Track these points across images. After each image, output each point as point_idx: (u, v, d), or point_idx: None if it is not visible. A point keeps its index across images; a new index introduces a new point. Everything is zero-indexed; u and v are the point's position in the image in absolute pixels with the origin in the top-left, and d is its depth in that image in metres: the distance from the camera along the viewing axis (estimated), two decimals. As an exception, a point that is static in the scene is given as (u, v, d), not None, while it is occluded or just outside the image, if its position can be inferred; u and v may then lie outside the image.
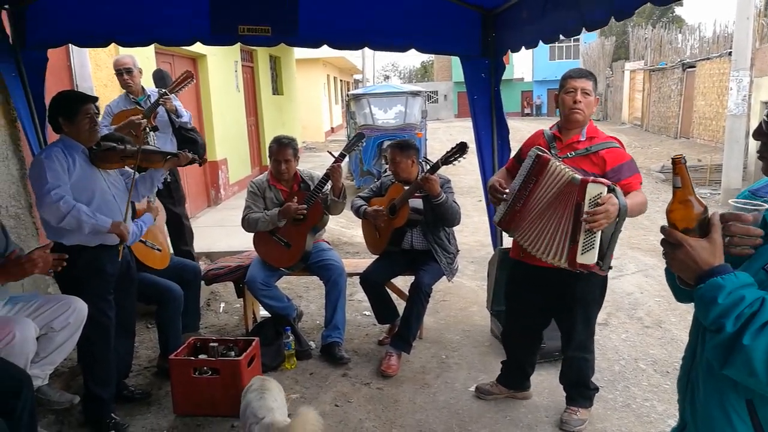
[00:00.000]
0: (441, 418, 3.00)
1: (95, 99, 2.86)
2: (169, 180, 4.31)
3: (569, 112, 2.68)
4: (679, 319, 4.20)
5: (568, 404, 2.93)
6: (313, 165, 11.05)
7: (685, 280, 1.17)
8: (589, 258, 2.40)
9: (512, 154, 3.91)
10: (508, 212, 2.67)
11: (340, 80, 28.78)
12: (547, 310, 2.91)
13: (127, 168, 3.04)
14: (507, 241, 3.96)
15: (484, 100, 3.96)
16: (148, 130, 3.93)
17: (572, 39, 36.03)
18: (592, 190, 2.35)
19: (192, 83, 4.14)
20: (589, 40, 32.84)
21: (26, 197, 4.21)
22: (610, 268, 2.47)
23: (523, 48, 3.64)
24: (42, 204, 2.65)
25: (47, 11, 3.70)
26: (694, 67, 17.25)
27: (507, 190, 2.66)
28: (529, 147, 2.71)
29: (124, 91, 4.34)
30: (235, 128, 9.61)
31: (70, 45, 4.41)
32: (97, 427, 2.92)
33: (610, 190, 2.35)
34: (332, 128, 25.15)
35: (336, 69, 26.26)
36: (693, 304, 1.23)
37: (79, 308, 2.75)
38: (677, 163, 1.17)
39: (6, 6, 3.62)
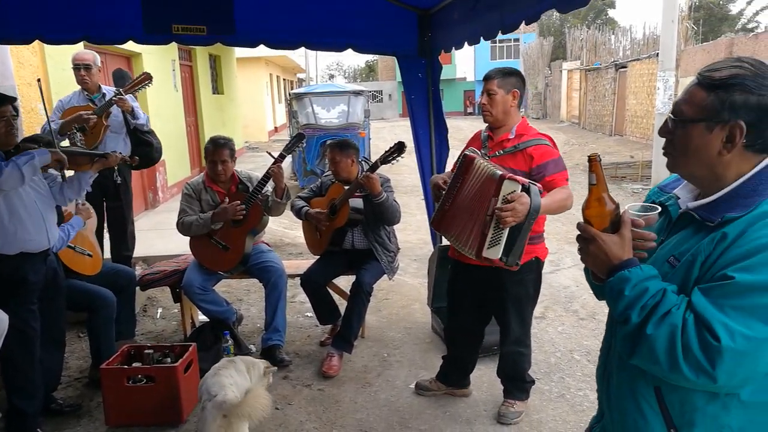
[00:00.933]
0: (382, 416, 3.01)
1: (13, 100, 2.72)
2: (119, 182, 4.17)
3: (482, 113, 2.79)
4: (611, 311, 4.37)
5: (505, 397, 3.00)
6: (255, 165, 10.91)
7: (597, 274, 1.21)
8: (493, 253, 2.43)
9: (452, 153, 4.01)
10: (439, 212, 2.72)
11: (284, 79, 28.44)
12: (484, 307, 2.97)
13: (51, 171, 2.91)
14: (446, 240, 4.04)
15: (422, 100, 4.01)
16: (74, 129, 3.78)
17: (512, 39, 37.02)
18: (507, 187, 2.38)
19: (150, 85, 4.02)
20: (528, 41, 33.73)
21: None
22: (518, 264, 2.47)
23: (453, 48, 3.71)
24: None
25: (-40, 5, 3.50)
26: (626, 67, 18.00)
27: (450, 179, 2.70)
28: (467, 148, 2.78)
29: (80, 87, 4.16)
30: (174, 128, 9.35)
31: (-11, 42, 4.18)
32: (21, 443, 2.78)
33: (525, 189, 2.37)
34: (276, 128, 24.84)
35: (279, 68, 25.93)
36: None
37: (0, 318, 2.62)
38: (593, 161, 1.22)
39: None
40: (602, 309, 4.44)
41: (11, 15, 3.54)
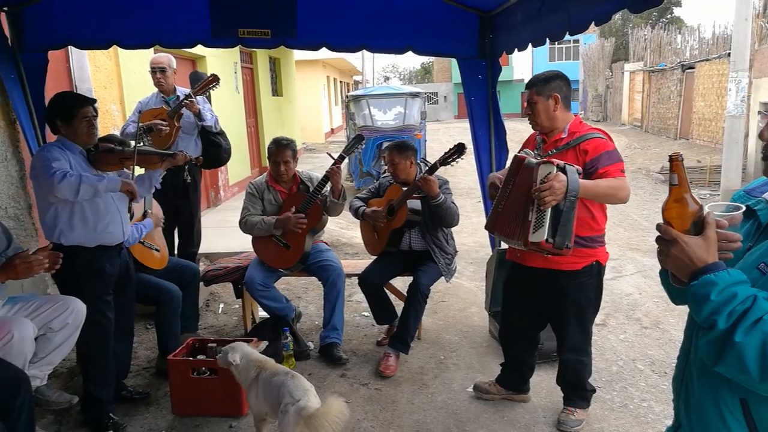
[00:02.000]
0: (439, 418, 3.00)
1: (93, 101, 2.87)
2: (188, 181, 4.33)
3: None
4: (677, 320, 4.21)
5: (565, 405, 2.93)
6: (312, 166, 11.07)
7: (678, 278, 1.17)
8: (538, 236, 2.40)
9: (510, 155, 3.96)
10: (493, 215, 2.71)
11: (340, 81, 28.79)
12: (541, 312, 2.92)
13: (125, 170, 3.05)
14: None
15: (482, 102, 3.98)
16: (142, 130, 3.95)
17: (572, 40, 36.17)
18: (542, 170, 2.37)
19: (218, 86, 4.15)
20: (588, 42, 32.86)
21: (26, 198, 4.22)
22: (569, 248, 2.41)
23: (516, 50, 3.66)
24: (54, 187, 2.62)
25: (46, 14, 3.72)
26: (694, 68, 17.28)
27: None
28: (525, 148, 2.75)
29: (157, 89, 4.34)
30: (235, 130, 9.60)
31: (69, 47, 4.42)
32: (95, 428, 2.92)
33: (560, 168, 2.35)
34: (332, 129, 25.17)
35: (336, 70, 26.28)
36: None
37: (77, 309, 2.77)
38: (674, 161, 1.18)
39: (4, 8, 3.63)
40: (667, 318, 4.28)
41: (91, 23, 3.74)
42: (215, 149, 4.39)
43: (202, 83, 4.15)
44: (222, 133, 4.52)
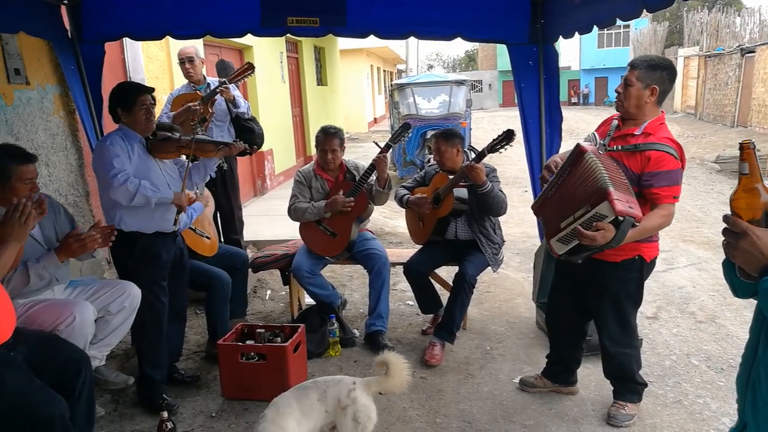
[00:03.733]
0: (485, 408, 2.98)
1: (151, 90, 2.94)
2: (225, 169, 4.40)
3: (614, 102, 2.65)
4: (734, 315, 4.05)
5: (615, 399, 2.87)
6: (356, 155, 11.10)
7: (747, 272, 1.12)
8: (557, 247, 2.52)
9: (563, 142, 3.87)
10: (541, 198, 2.66)
11: (384, 70, 28.72)
12: (583, 304, 2.85)
13: (181, 157, 3.12)
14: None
15: (532, 88, 3.88)
16: (197, 121, 4.02)
17: (622, 25, 35.03)
18: (602, 208, 2.28)
19: (252, 74, 4.20)
20: (639, 26, 31.75)
21: (84, 186, 4.38)
22: (578, 263, 2.55)
23: (576, 33, 3.55)
24: (112, 188, 2.73)
25: (103, 6, 3.83)
26: (754, 52, 16.49)
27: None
28: (597, 130, 2.68)
29: (186, 79, 4.44)
30: (281, 119, 9.73)
31: (124, 38, 4.54)
32: (149, 407, 3.02)
33: (616, 222, 2.27)
34: (375, 119, 25.18)
35: (379, 59, 26.22)
36: (752, 299, 1.19)
37: (134, 293, 2.86)
38: (746, 149, 1.12)
39: (65, 1, 3.75)
40: (723, 312, 4.13)
41: (146, 14, 3.83)
42: (249, 134, 4.43)
43: (238, 71, 4.18)
44: (253, 119, 4.57)
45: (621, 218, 2.25)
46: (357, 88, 20.74)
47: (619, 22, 3.06)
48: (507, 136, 3.30)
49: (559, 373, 3.07)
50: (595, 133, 2.68)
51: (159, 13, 3.83)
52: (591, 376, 3.23)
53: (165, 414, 2.56)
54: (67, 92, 4.14)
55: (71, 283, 2.92)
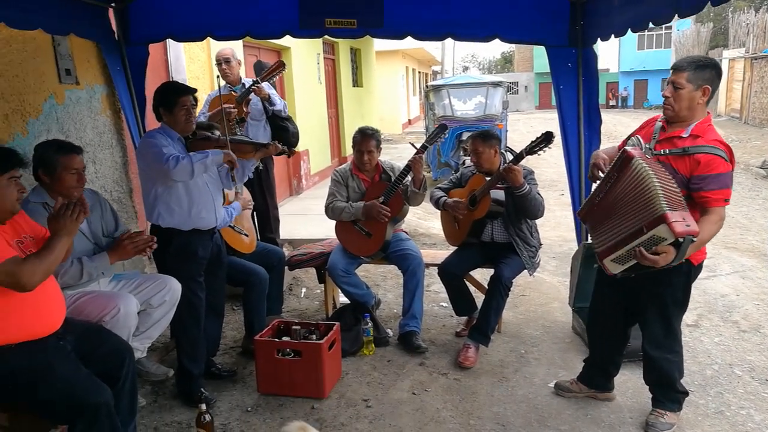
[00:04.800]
0: (519, 411, 2.96)
1: (193, 91, 3.01)
2: (260, 169, 4.47)
3: (663, 106, 2.59)
4: (780, 325, 3.93)
5: (654, 406, 2.81)
6: (390, 157, 11.13)
7: None
8: (612, 267, 2.51)
9: (602, 145, 3.81)
10: (588, 204, 2.64)
11: (419, 72, 28.72)
12: (629, 307, 2.80)
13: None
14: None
15: (571, 91, 3.84)
16: (236, 120, 4.10)
17: (663, 27, 34.24)
18: (661, 230, 2.24)
19: (283, 71, 4.25)
20: (682, 27, 30.97)
21: (127, 183, 4.51)
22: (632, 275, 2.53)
23: (612, 36, 3.50)
24: (170, 172, 2.77)
25: (148, 8, 3.94)
26: (803, 54, 15.91)
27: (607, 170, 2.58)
28: (639, 133, 2.64)
29: (224, 80, 4.53)
30: (317, 120, 9.82)
31: (167, 40, 4.67)
32: (187, 400, 3.09)
33: (676, 244, 2.24)
34: (409, 120, 25.19)
35: (415, 60, 26.24)
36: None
37: (174, 288, 2.94)
38: None
39: (112, 4, 3.87)
40: (769, 322, 4.00)
41: (188, 16, 3.93)
42: (283, 134, 4.48)
43: (269, 69, 4.23)
44: (289, 118, 4.61)
45: (680, 240, 2.23)
46: (392, 90, 20.79)
47: (651, 24, 3.01)
48: (546, 138, 3.27)
49: (597, 378, 3.02)
50: (639, 136, 2.63)
51: (200, 15, 3.92)
52: (628, 382, 3.17)
53: (203, 407, 2.62)
54: (114, 92, 4.27)
55: (115, 276, 3.02)
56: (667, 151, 2.50)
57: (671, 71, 2.53)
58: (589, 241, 3.76)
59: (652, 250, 2.30)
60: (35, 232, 2.34)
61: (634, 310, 2.79)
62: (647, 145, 2.57)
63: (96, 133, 4.15)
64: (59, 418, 2.21)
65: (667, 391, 2.78)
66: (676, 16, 2.67)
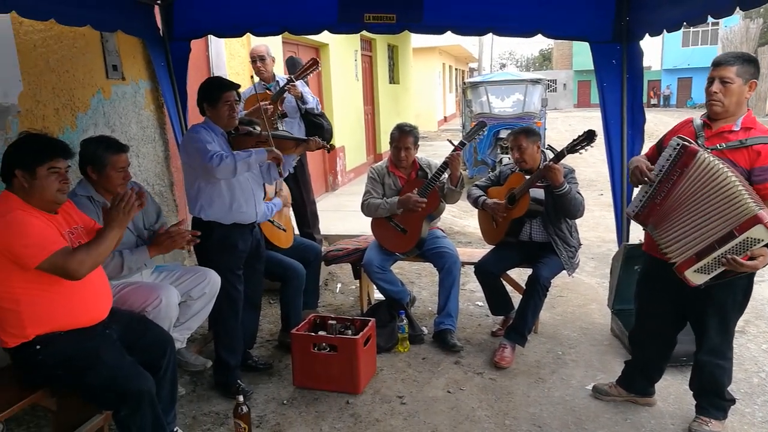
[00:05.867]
0: (556, 413, 2.92)
1: (237, 86, 3.04)
2: (295, 165, 4.50)
3: (707, 103, 2.51)
4: (832, 333, 3.77)
5: (698, 413, 2.72)
6: (425, 154, 11.09)
7: None
8: (696, 278, 2.38)
9: (645, 145, 3.72)
10: (647, 204, 2.53)
11: (455, 69, 28.55)
12: (680, 311, 2.71)
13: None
14: (633, 237, 3.76)
15: (615, 88, 3.75)
16: (278, 116, 4.13)
17: (710, 23, 33.21)
18: (757, 232, 2.16)
19: (317, 70, 4.27)
20: (730, 24, 29.97)
21: (169, 176, 4.61)
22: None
23: (664, 32, 3.41)
24: (214, 170, 2.81)
25: (192, 5, 4.01)
26: None
27: (652, 175, 2.51)
28: (674, 136, 2.54)
29: (258, 78, 4.58)
30: (354, 116, 9.85)
31: (209, 36, 4.74)
32: (225, 391, 3.14)
33: None
34: (445, 117, 25.07)
35: (452, 57, 26.08)
36: None
37: (213, 280, 2.99)
38: None
39: (158, 1, 3.96)
40: (820, 330, 3.84)
41: (229, 12, 3.98)
42: (318, 130, 4.49)
43: (303, 67, 4.24)
44: (323, 115, 4.62)
45: None
46: (428, 87, 20.72)
47: (709, 19, 2.91)
48: (588, 137, 3.21)
49: (638, 382, 2.94)
50: (681, 136, 2.53)
51: (241, 11, 3.97)
52: (670, 388, 3.09)
53: (241, 398, 2.65)
54: (157, 87, 4.36)
55: (157, 267, 3.09)
56: (724, 145, 2.43)
57: (713, 67, 2.47)
58: (631, 243, 3.70)
59: (747, 255, 2.21)
60: (85, 223, 2.41)
61: (687, 313, 2.70)
62: (698, 142, 2.49)
63: (140, 128, 4.25)
64: (105, 404, 2.28)
65: (713, 398, 2.69)
66: (738, 8, 2.57)
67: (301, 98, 4.39)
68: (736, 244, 2.23)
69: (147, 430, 2.24)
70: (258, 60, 4.49)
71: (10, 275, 2.08)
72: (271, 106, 4.19)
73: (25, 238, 2.05)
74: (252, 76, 4.30)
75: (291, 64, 4.98)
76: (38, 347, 2.15)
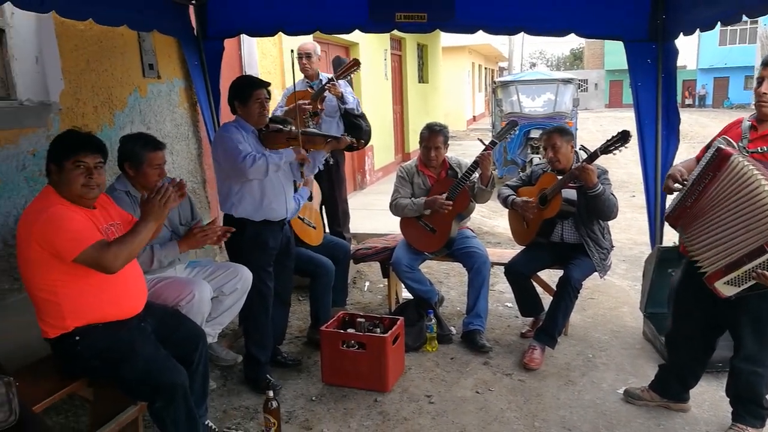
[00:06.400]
0: (586, 417, 2.88)
1: (267, 84, 3.08)
2: (331, 163, 4.53)
3: (756, 103, 2.44)
4: None
5: (734, 421, 2.66)
6: (453, 154, 11.05)
7: None
8: (725, 290, 2.32)
9: (680, 146, 3.65)
10: (678, 207, 2.48)
11: (485, 68, 28.36)
12: (717, 316, 2.65)
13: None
14: (667, 240, 3.69)
15: (649, 88, 3.68)
16: (309, 114, 4.16)
17: (748, 21, 32.32)
18: None
19: (358, 70, 4.28)
20: (769, 22, 29.13)
21: (201, 174, 4.68)
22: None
23: (698, 31, 3.34)
24: (246, 171, 2.86)
25: (225, 5, 4.07)
26: None
27: (685, 180, 2.46)
28: (720, 136, 2.49)
29: (302, 75, 4.61)
30: (382, 116, 9.86)
31: (241, 35, 4.80)
32: (254, 386, 3.18)
33: None
34: (474, 117, 24.93)
35: (481, 56, 25.92)
36: None
37: (245, 276, 3.03)
38: None
39: (193, 1, 4.02)
40: None
41: (261, 11, 4.03)
42: (356, 131, 4.50)
43: (344, 67, 4.25)
44: (363, 116, 4.62)
45: None
46: (457, 86, 20.64)
47: (744, 18, 2.84)
48: (622, 137, 3.16)
49: (672, 387, 2.88)
50: (727, 137, 2.47)
51: (273, 10, 4.02)
52: (705, 394, 3.02)
53: (270, 393, 2.68)
54: (191, 86, 4.43)
55: (190, 263, 3.14)
56: (765, 149, 2.36)
57: (764, 66, 2.39)
58: (665, 245, 3.63)
59: None
60: (123, 218, 2.46)
61: (724, 320, 2.64)
62: (740, 144, 2.43)
63: (174, 125, 4.33)
64: (139, 396, 2.32)
65: (751, 406, 2.62)
66: None
67: (341, 98, 4.40)
68: (767, 260, 2.16)
69: (180, 422, 2.28)
70: (304, 57, 4.51)
71: (51, 268, 2.14)
72: (310, 104, 4.22)
73: (64, 232, 2.11)
74: (292, 72, 4.31)
75: (337, 64, 5.01)
76: (77, 338, 2.21)
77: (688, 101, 36.89)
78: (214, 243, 2.92)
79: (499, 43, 24.01)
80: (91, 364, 2.24)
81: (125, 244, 2.18)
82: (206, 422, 2.67)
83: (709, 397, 3.00)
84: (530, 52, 63.42)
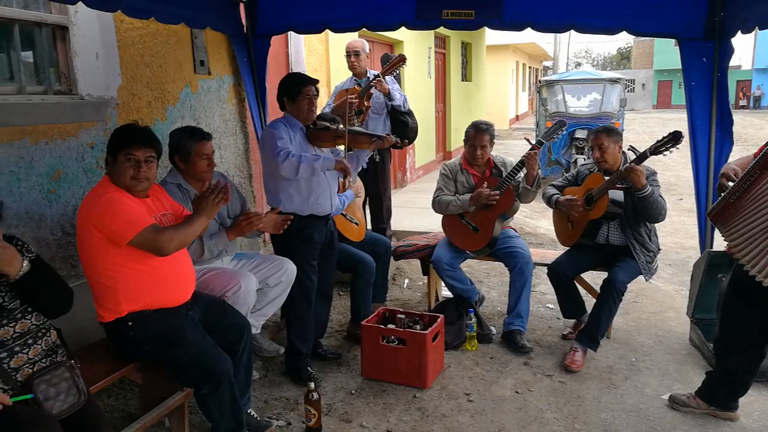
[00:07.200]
0: (629, 421, 2.83)
1: (316, 81, 3.13)
2: (377, 160, 4.56)
3: None
4: None
5: (785, 432, 2.58)
6: (495, 153, 10.94)
7: None
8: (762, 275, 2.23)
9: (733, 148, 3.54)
10: (721, 203, 2.43)
11: (529, 67, 27.96)
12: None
13: (337, 147, 3.30)
14: (717, 244, 3.58)
15: (704, 88, 3.57)
16: (354, 111, 4.20)
17: (809, 19, 30.85)
18: None
19: (404, 66, 4.28)
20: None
21: (248, 169, 4.78)
22: None
23: (757, 29, 3.22)
24: (279, 166, 2.91)
25: (274, 2, 4.14)
26: None
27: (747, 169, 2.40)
28: None
29: (351, 72, 4.65)
30: (425, 114, 9.84)
31: (289, 32, 4.88)
32: (295, 377, 3.24)
33: None
34: (517, 116, 24.62)
35: (525, 55, 25.57)
36: None
37: (290, 269, 3.09)
38: None
39: (243, 0, 4.11)
40: None
41: (308, 9, 4.08)
42: (402, 128, 4.51)
43: (390, 63, 4.25)
44: (410, 113, 4.62)
45: None
46: (501, 85, 20.42)
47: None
48: (674, 138, 3.08)
49: (720, 395, 2.80)
50: None
51: (320, 8, 4.06)
52: (755, 403, 2.93)
53: (312, 385, 2.73)
54: (239, 82, 4.53)
55: (236, 255, 3.22)
56: None
57: None
58: (715, 249, 3.53)
59: None
60: (174, 209, 2.55)
61: None
62: None
63: (222, 121, 4.43)
64: (187, 381, 2.40)
65: (802, 417, 2.54)
66: None
67: (388, 95, 4.42)
68: None
69: (225, 408, 2.35)
70: (352, 55, 4.55)
71: (108, 254, 2.23)
72: (357, 100, 4.25)
73: (119, 215, 2.20)
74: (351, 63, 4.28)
75: (385, 60, 5.05)
76: (130, 323, 2.29)
77: (742, 102, 35.56)
78: (274, 231, 2.98)
79: (545, 41, 23.68)
80: (143, 348, 2.32)
81: (178, 231, 2.27)
82: (249, 411, 2.74)
83: (759, 406, 2.91)
84: (576, 51, 62.22)
